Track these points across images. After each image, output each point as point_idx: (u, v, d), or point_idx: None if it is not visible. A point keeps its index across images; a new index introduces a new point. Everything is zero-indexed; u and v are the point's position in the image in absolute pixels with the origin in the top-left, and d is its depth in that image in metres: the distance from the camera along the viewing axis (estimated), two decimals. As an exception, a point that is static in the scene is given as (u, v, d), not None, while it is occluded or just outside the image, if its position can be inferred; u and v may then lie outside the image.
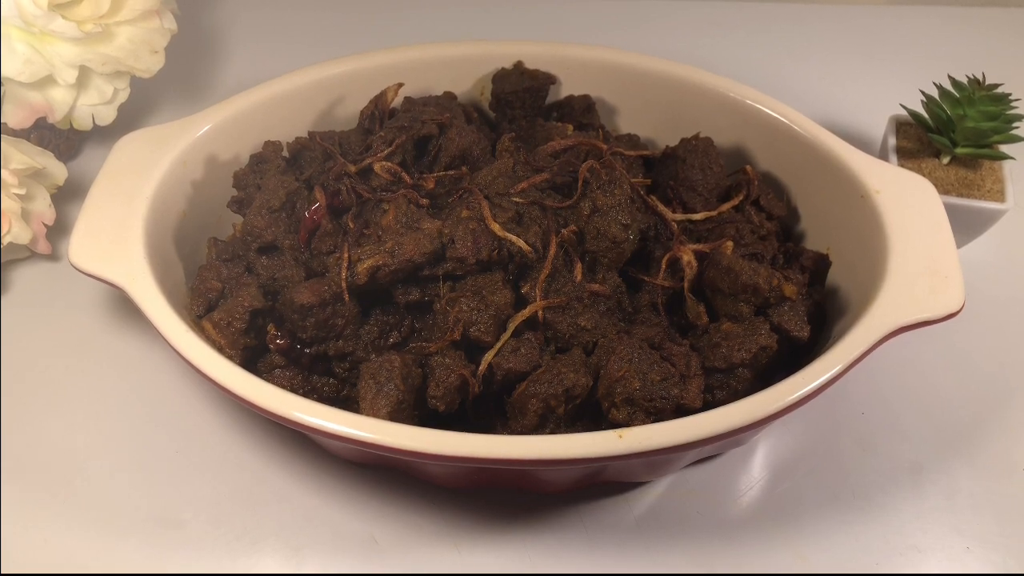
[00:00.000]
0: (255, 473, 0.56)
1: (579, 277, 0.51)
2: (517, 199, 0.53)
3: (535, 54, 0.65)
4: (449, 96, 0.65)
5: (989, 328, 0.64)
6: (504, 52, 0.66)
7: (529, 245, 0.51)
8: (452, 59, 0.66)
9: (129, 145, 0.58)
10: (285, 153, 0.61)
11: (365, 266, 0.50)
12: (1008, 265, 0.69)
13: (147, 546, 0.53)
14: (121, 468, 0.56)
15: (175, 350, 0.48)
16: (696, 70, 0.63)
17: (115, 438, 0.58)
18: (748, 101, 0.61)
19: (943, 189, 0.64)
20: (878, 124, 0.75)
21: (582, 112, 0.65)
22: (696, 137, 0.61)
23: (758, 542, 0.53)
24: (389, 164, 0.55)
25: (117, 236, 0.53)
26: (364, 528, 0.54)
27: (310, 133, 0.61)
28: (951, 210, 0.57)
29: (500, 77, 0.65)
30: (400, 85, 0.62)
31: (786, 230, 0.62)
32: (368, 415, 0.46)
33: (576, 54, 0.66)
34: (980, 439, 0.58)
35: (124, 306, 0.64)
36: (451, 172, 0.56)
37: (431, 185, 0.55)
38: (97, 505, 0.54)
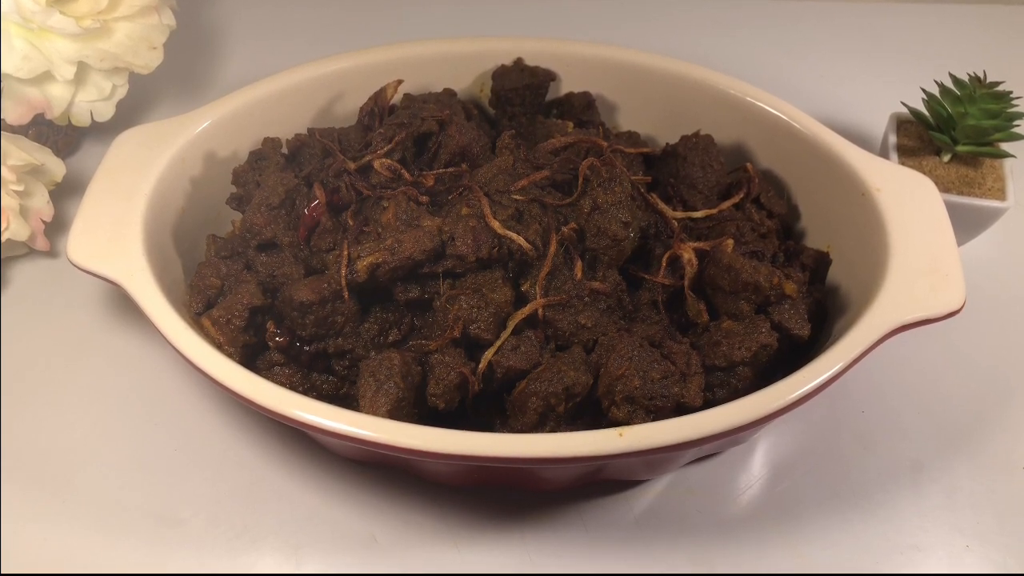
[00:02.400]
0: (254, 471, 0.56)
1: (579, 275, 0.51)
2: (517, 196, 0.53)
3: (535, 51, 0.65)
4: (449, 93, 0.65)
5: (990, 326, 0.64)
6: (504, 49, 0.65)
7: (529, 243, 0.51)
8: (452, 56, 0.66)
9: (127, 142, 0.58)
10: (284, 150, 0.61)
11: (365, 263, 0.50)
12: (1009, 263, 0.69)
13: (146, 544, 0.53)
14: (120, 466, 0.56)
15: (174, 347, 0.48)
16: (696, 67, 0.63)
17: (114, 436, 0.58)
18: (748, 98, 0.61)
19: (944, 187, 0.64)
20: (879, 122, 0.75)
21: (582, 109, 0.65)
22: (696, 134, 0.61)
23: (758, 541, 0.53)
24: (389, 161, 0.55)
25: (115, 233, 0.53)
26: (364, 526, 0.54)
27: (309, 130, 0.61)
28: (952, 208, 0.57)
29: (500, 74, 0.65)
30: (400, 82, 0.62)
31: (786, 228, 0.62)
32: (368, 413, 0.46)
33: (576, 51, 0.65)
34: (981, 438, 0.58)
35: (123, 303, 0.64)
36: (451, 169, 0.55)
37: (431, 182, 0.54)
38: (96, 503, 0.54)
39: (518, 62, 0.65)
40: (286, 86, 0.62)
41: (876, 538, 0.53)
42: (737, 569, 0.52)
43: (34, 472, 0.56)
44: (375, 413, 0.46)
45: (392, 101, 0.61)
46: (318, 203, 0.53)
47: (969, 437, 0.58)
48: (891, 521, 0.54)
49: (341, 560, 0.52)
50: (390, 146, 0.56)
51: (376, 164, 0.55)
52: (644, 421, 0.47)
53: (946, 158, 0.67)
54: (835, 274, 0.58)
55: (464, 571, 0.52)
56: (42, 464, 0.56)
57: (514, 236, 0.51)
